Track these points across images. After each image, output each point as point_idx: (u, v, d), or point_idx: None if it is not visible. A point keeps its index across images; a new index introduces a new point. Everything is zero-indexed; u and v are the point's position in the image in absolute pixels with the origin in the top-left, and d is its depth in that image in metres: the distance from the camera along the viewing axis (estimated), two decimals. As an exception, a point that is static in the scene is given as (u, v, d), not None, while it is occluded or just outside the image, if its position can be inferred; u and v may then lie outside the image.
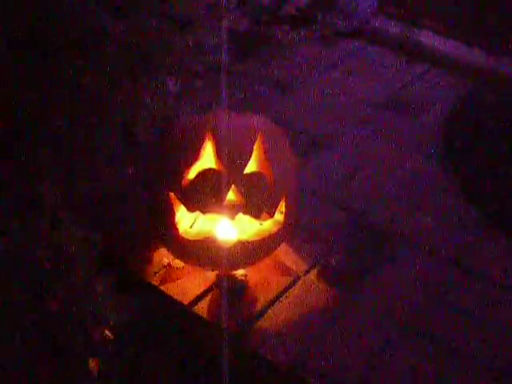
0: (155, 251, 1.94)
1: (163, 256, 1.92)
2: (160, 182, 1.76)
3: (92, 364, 1.55)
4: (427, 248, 2.00)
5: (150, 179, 1.81)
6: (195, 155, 1.71)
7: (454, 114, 2.61)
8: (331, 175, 2.25)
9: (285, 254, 1.95)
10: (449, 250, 1.99)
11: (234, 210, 1.71)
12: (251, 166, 1.72)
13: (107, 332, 1.56)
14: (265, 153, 1.73)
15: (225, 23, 2.51)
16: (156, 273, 1.89)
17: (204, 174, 1.70)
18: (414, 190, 2.22)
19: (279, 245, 1.86)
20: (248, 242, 1.75)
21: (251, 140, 1.72)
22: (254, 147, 1.72)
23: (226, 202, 1.69)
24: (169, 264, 1.91)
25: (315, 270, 1.92)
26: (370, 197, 2.17)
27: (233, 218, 1.72)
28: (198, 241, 1.74)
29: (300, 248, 1.97)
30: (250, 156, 1.71)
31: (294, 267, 1.92)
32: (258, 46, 2.92)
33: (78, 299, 1.42)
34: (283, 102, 2.60)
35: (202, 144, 1.71)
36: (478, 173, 2.34)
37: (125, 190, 1.91)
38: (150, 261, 1.92)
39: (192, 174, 1.71)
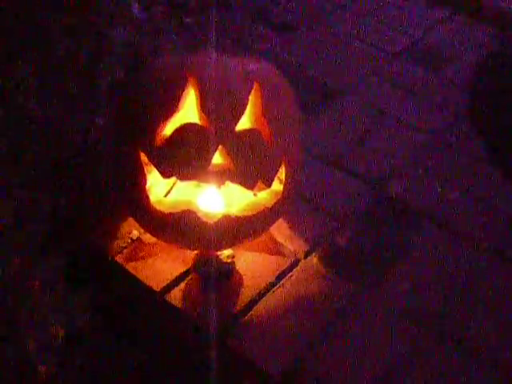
0: (122, 221, 1.58)
1: (132, 227, 1.56)
2: (128, 137, 1.38)
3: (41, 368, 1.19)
4: (458, 230, 1.64)
5: (115, 133, 1.43)
6: (173, 105, 1.33)
7: (481, 68, 2.23)
8: (342, 135, 1.88)
9: (281, 229, 1.58)
10: (487, 236, 1.63)
11: (220, 176, 1.34)
12: (244, 123, 1.36)
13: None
14: (262, 106, 1.36)
15: None
16: (122, 248, 1.52)
17: (184, 130, 1.33)
18: (438, 157, 1.85)
19: (276, 221, 1.50)
20: (237, 218, 1.39)
21: (246, 89, 1.34)
22: (249, 98, 1.34)
23: (211, 167, 1.32)
24: (138, 238, 1.55)
25: (318, 252, 1.56)
26: (385, 163, 1.81)
27: (219, 186, 1.35)
28: (175, 214, 1.38)
29: (300, 223, 1.61)
30: (244, 109, 1.33)
31: (291, 247, 1.56)
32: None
33: (8, 292, 1.05)
34: (286, 46, 2.21)
35: (183, 91, 1.33)
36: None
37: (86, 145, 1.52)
38: (114, 233, 1.55)
39: (169, 129, 1.34)
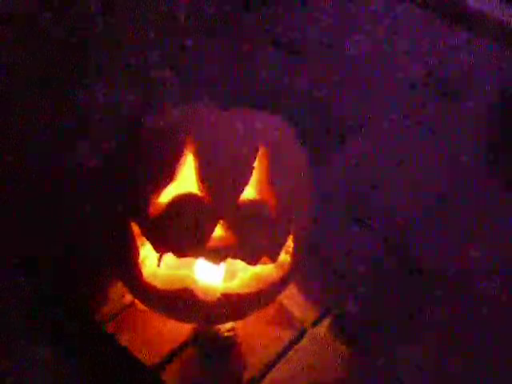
0: (114, 283, 1.44)
1: (125, 292, 1.42)
2: (118, 206, 1.24)
3: None
4: (477, 291, 1.50)
5: (105, 200, 1.29)
6: (169, 174, 1.19)
7: (506, 98, 2.08)
8: (356, 180, 1.74)
9: (288, 295, 1.45)
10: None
11: (221, 253, 1.20)
12: (248, 192, 1.21)
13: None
14: (269, 174, 1.21)
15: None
16: (114, 315, 1.39)
17: (181, 202, 1.19)
18: (456, 209, 1.71)
19: (282, 292, 1.36)
20: (239, 295, 1.26)
21: (251, 155, 1.20)
22: (254, 165, 1.20)
23: (210, 242, 1.18)
24: (132, 303, 1.41)
25: (328, 320, 1.43)
26: (401, 215, 1.67)
27: (218, 263, 1.21)
28: (170, 291, 1.24)
29: (309, 286, 1.48)
30: (248, 179, 1.19)
31: (299, 314, 1.43)
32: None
33: None
34: (296, 68, 2.06)
35: (180, 158, 1.19)
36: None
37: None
38: (105, 296, 1.42)
39: (164, 199, 1.20)
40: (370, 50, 2.19)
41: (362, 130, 1.87)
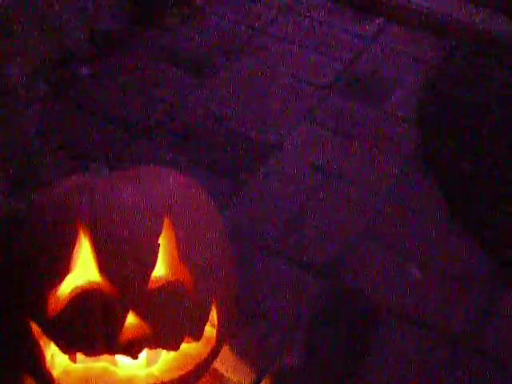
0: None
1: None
2: (15, 304, 1.08)
3: None
4: (421, 321, 1.40)
5: (2, 296, 1.13)
6: (65, 264, 1.05)
7: (427, 91, 1.97)
8: (277, 211, 1.61)
9: (222, 358, 1.32)
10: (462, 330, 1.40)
11: (136, 345, 1.06)
12: (159, 272, 1.07)
13: None
14: (178, 247, 1.07)
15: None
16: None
17: (83, 295, 1.05)
18: (393, 223, 1.60)
19: (211, 365, 1.23)
20: (164, 382, 1.12)
21: (154, 232, 1.06)
22: (160, 241, 1.06)
23: (122, 336, 1.04)
24: None
25: (266, 380, 1.31)
26: (333, 241, 1.55)
27: (136, 357, 1.07)
28: (85, 389, 1.09)
29: (244, 345, 1.35)
30: (155, 261, 1.06)
31: (235, 378, 1.30)
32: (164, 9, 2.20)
33: None
34: (200, 91, 1.92)
35: (74, 245, 1.04)
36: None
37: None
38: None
39: (63, 292, 1.05)
40: (278, 55, 2.05)
41: (273, 152, 1.74)
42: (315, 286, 1.45)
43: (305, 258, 1.51)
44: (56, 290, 1.05)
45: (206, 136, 1.76)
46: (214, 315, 1.14)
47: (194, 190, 1.16)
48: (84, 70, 2.00)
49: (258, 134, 1.79)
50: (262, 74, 1.98)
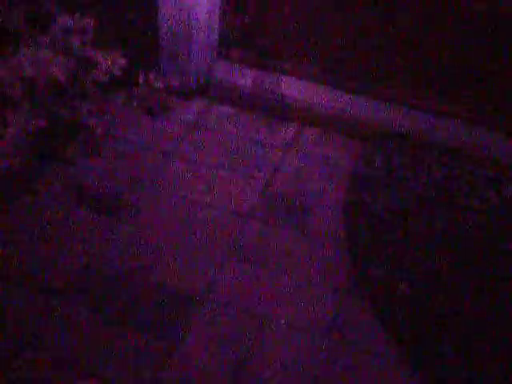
0: None
1: None
2: None
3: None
4: None
5: None
6: None
7: (350, 206, 1.87)
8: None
9: None
10: None
11: None
12: None
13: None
14: None
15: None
16: None
17: None
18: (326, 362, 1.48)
19: None
20: None
21: None
22: None
23: None
24: None
25: None
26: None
27: None
28: None
29: None
30: None
31: None
32: (65, 141, 2.04)
33: None
34: (114, 233, 1.77)
35: None
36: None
37: None
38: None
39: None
40: (188, 179, 1.91)
41: (197, 308, 1.60)
42: None
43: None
44: None
45: (126, 292, 1.61)
46: None
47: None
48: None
49: (180, 286, 1.65)
50: (179, 212, 1.83)
